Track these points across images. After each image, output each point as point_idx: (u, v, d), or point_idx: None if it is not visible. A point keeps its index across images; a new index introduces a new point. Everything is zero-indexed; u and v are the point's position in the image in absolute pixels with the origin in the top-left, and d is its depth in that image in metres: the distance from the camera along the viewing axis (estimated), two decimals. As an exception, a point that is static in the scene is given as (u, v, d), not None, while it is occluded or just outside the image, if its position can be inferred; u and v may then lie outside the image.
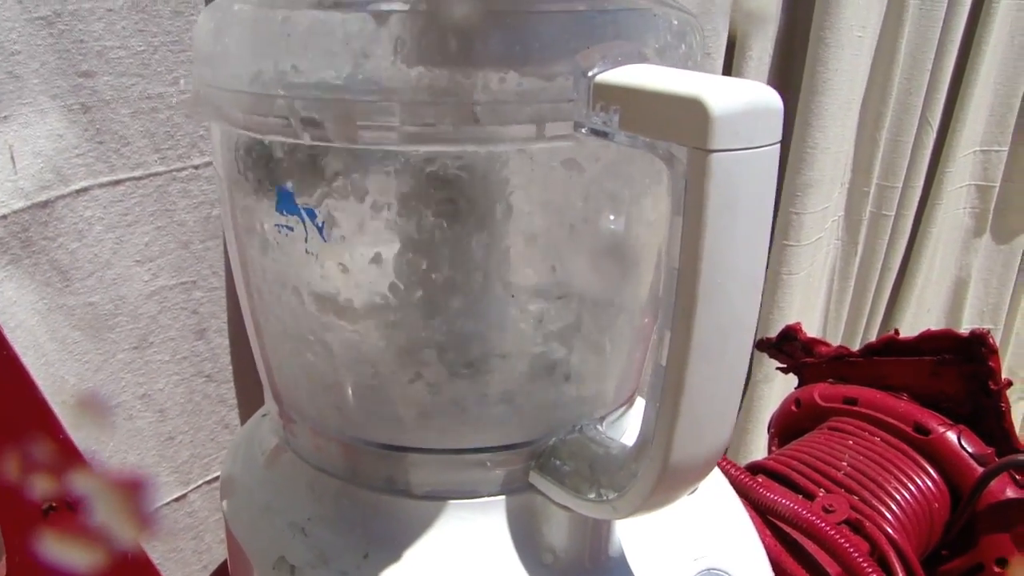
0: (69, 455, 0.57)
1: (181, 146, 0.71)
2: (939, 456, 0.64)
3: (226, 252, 0.76)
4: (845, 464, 0.64)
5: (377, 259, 0.34)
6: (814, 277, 1.08)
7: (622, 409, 0.41)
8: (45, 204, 0.65)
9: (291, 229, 0.33)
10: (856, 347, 0.74)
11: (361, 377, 0.37)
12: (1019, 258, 1.31)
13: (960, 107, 1.12)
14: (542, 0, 0.32)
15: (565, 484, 0.35)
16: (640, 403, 0.43)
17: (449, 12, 0.31)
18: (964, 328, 1.29)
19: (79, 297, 0.69)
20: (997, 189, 1.24)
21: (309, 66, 0.31)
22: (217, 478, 0.83)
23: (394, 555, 0.36)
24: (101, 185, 0.68)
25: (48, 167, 0.65)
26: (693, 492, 0.33)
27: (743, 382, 0.32)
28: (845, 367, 0.72)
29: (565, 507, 0.36)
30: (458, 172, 0.33)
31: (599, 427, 0.38)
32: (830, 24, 0.93)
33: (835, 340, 1.18)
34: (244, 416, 0.82)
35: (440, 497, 0.37)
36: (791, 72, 1.01)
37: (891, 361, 0.69)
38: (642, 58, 0.32)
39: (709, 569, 0.39)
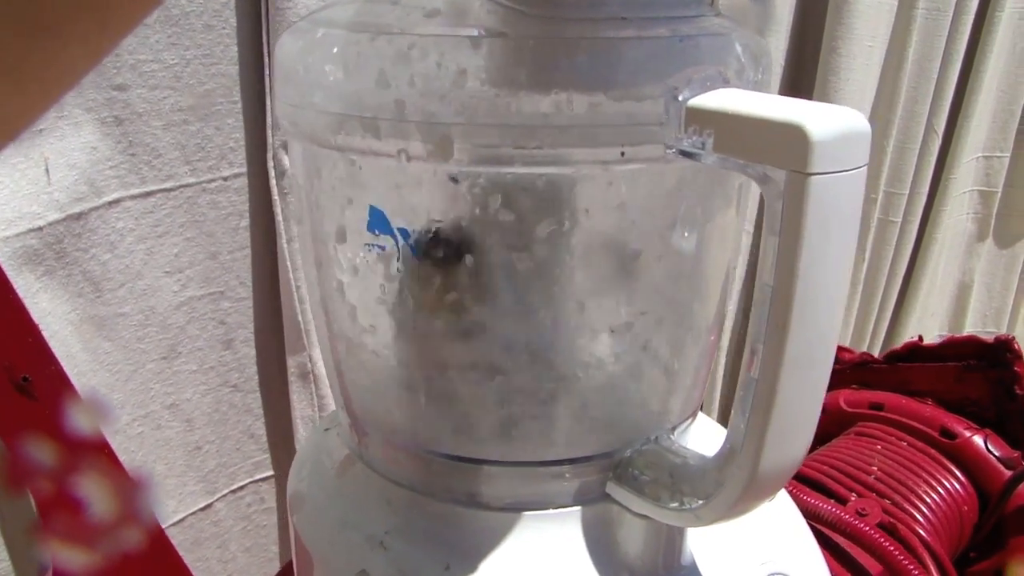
0: (114, 468, 0.58)
1: (211, 158, 0.71)
2: (966, 460, 0.66)
3: (253, 263, 0.77)
4: (875, 468, 0.65)
5: (459, 275, 0.35)
6: (823, 283, 1.09)
7: (688, 421, 0.42)
8: (79, 216, 0.65)
9: (382, 248, 0.34)
10: (863, 352, 0.75)
11: (438, 391, 0.38)
12: (1021, 262, 1.33)
13: (964, 114, 1.14)
14: (627, 26, 0.33)
15: (644, 494, 0.36)
16: (702, 417, 0.44)
17: (540, 38, 0.32)
18: (967, 332, 1.31)
19: (110, 307, 0.69)
20: (999, 194, 1.26)
21: (401, 88, 0.32)
22: (243, 487, 0.83)
23: (473, 567, 0.37)
24: (133, 197, 0.68)
25: (82, 179, 0.65)
26: (772, 499, 0.34)
27: (825, 393, 0.33)
28: (869, 373, 0.73)
29: (644, 516, 0.37)
30: (542, 191, 0.34)
31: (672, 437, 0.39)
32: (842, 34, 0.95)
33: (843, 343, 1.19)
34: (270, 426, 0.83)
35: (516, 509, 0.38)
36: (802, 81, 1.02)
37: (915, 367, 0.70)
38: (724, 81, 0.33)
39: (774, 573, 0.40)
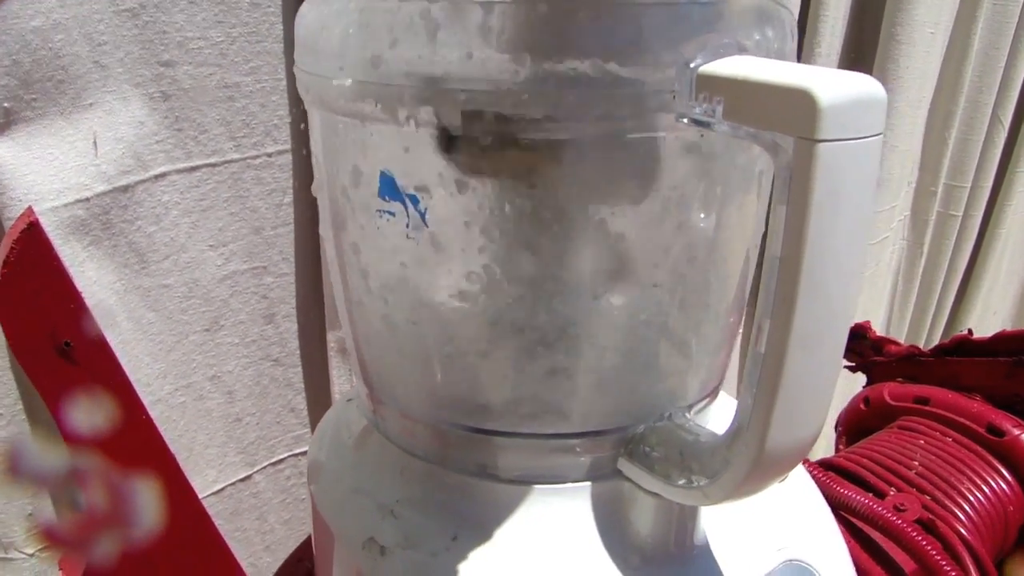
0: (151, 437, 0.59)
1: (256, 134, 0.72)
2: (1014, 458, 0.64)
3: (296, 238, 0.78)
4: (916, 464, 0.63)
5: (472, 245, 0.35)
6: (879, 277, 1.07)
7: (706, 401, 0.41)
8: (125, 188, 0.67)
9: (392, 215, 0.34)
10: (922, 348, 0.73)
11: (452, 361, 0.38)
12: (1090, 261, 1.29)
13: (1033, 105, 1.10)
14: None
15: (655, 470, 0.36)
16: (723, 396, 0.43)
17: (553, 3, 0.31)
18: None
19: (155, 279, 0.71)
20: (1069, 189, 1.22)
21: (413, 55, 0.32)
22: (282, 460, 0.85)
23: (482, 538, 0.37)
24: (179, 171, 0.70)
25: (129, 152, 0.66)
26: (783, 480, 0.33)
27: (839, 372, 0.32)
28: (915, 367, 0.71)
29: (654, 493, 0.36)
30: (558, 160, 0.33)
31: (687, 415, 0.39)
32: (902, 20, 0.92)
33: (899, 340, 1.16)
34: (310, 400, 0.84)
35: (527, 482, 0.38)
36: (861, 69, 0.99)
37: (964, 361, 0.68)
38: (741, 49, 0.32)
39: (791, 560, 0.39)
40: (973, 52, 1.02)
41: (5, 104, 0.59)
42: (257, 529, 0.85)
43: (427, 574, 0.36)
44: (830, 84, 0.27)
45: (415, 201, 0.33)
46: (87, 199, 0.65)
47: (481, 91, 0.31)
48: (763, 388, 0.30)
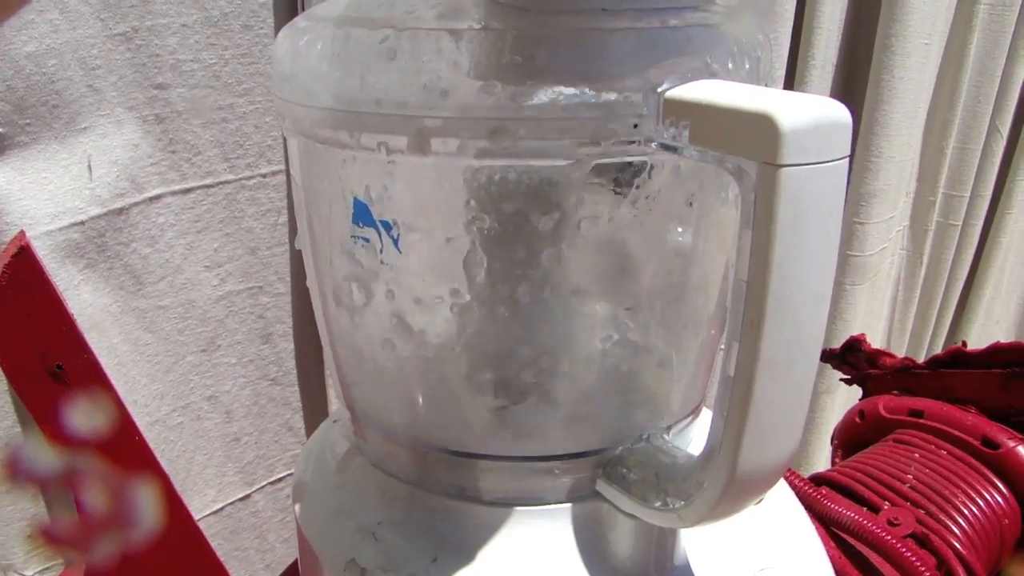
0: (145, 458, 0.59)
1: (250, 155, 0.73)
2: (1009, 471, 0.63)
3: (292, 258, 0.78)
4: (911, 477, 0.63)
5: (448, 271, 0.35)
6: (878, 288, 1.07)
7: (688, 419, 0.41)
8: (120, 211, 0.67)
9: (367, 240, 0.34)
10: (921, 359, 0.73)
11: (431, 385, 0.38)
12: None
13: (1032, 113, 1.10)
14: (613, 17, 0.32)
15: (632, 493, 0.36)
16: (706, 414, 0.43)
17: (521, 30, 0.32)
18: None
19: (151, 300, 0.71)
20: (1071, 197, 1.21)
21: (383, 83, 0.32)
22: (281, 479, 0.85)
23: (462, 560, 0.37)
24: (173, 193, 0.70)
25: (124, 175, 0.67)
26: (759, 503, 0.33)
27: (810, 394, 0.32)
28: (910, 379, 0.71)
29: (632, 515, 0.36)
30: (527, 185, 0.34)
31: (665, 436, 0.39)
32: (896, 32, 0.93)
33: (900, 352, 1.16)
34: (308, 419, 0.84)
35: (508, 504, 0.38)
36: (856, 80, 1.00)
37: (958, 373, 0.68)
38: (711, 74, 0.32)
39: (773, 580, 0.39)
40: (969, 61, 1.02)
41: (0, 129, 0.60)
42: (257, 548, 0.85)
43: (407, 597, 0.36)
44: (792, 108, 0.27)
45: (388, 227, 0.34)
46: (82, 222, 0.65)
47: (452, 118, 0.32)
48: (734, 411, 0.30)
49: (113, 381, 0.65)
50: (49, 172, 0.64)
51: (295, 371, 0.82)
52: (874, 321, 1.10)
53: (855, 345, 0.75)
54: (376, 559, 0.37)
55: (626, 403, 0.38)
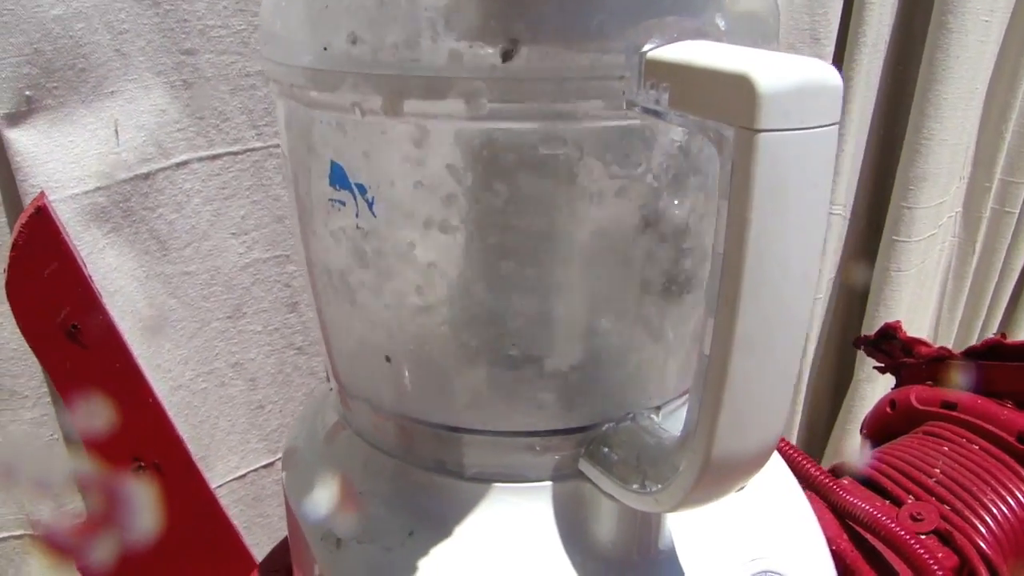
0: (159, 419, 0.60)
1: (277, 123, 0.73)
2: (1044, 470, 0.60)
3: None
4: (938, 471, 0.60)
5: (428, 238, 0.34)
6: (926, 275, 1.03)
7: (681, 400, 0.40)
8: (147, 176, 0.68)
9: (343, 204, 0.34)
10: (941, 346, 0.70)
11: (416, 357, 0.37)
12: None
13: (1097, 97, 1.04)
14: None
15: (612, 473, 0.35)
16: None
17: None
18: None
19: (176, 266, 0.71)
20: None
21: (360, 41, 0.31)
22: (306, 448, 0.85)
23: (439, 535, 0.36)
24: (200, 159, 0.70)
25: (150, 140, 0.67)
26: (741, 490, 0.32)
27: (795, 378, 0.30)
28: (946, 369, 0.68)
29: (612, 496, 0.35)
30: (508, 150, 0.32)
31: (653, 416, 0.37)
32: (953, 8, 0.89)
33: (947, 343, 1.12)
34: (334, 390, 0.84)
35: (488, 480, 0.37)
36: (910, 59, 0.96)
37: (996, 366, 0.65)
38: (702, 35, 0.31)
39: (766, 572, 0.38)
40: (1033, 41, 0.97)
41: (27, 92, 0.61)
42: (280, 515, 0.86)
43: (381, 569, 0.36)
44: (773, 69, 0.25)
45: (363, 191, 0.33)
46: (108, 187, 0.66)
47: (428, 78, 0.31)
48: (709, 393, 0.29)
49: (136, 344, 0.65)
50: (76, 136, 0.64)
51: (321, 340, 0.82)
52: (920, 310, 1.06)
53: (890, 332, 0.72)
54: (353, 530, 0.37)
55: (612, 379, 0.37)
